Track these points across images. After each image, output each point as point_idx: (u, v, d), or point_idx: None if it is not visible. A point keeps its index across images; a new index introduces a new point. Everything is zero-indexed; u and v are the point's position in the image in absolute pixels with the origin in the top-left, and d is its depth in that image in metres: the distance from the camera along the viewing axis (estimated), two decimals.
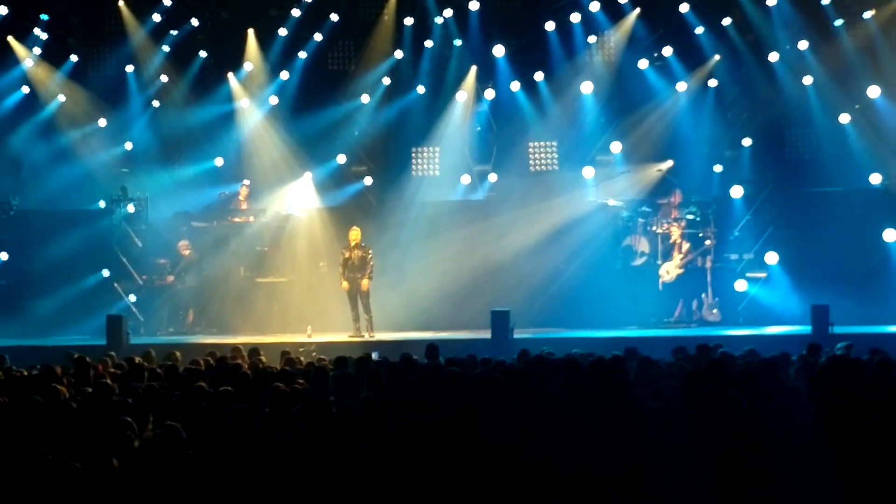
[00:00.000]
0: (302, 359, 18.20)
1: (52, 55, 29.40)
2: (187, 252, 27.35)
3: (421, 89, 29.00)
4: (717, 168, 27.66)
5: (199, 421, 11.37)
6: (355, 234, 24.87)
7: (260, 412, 11.59)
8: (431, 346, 17.70)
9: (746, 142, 27.63)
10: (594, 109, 28.43)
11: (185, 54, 29.41)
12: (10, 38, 29.04)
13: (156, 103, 29.38)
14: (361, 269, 24.66)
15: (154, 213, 28.27)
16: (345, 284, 24.71)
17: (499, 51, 28.64)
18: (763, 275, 26.32)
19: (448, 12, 28.83)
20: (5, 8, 28.72)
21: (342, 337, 24.48)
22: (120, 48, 29.42)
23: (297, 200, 28.40)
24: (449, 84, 28.91)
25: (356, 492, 9.26)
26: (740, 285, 26.28)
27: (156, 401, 12.41)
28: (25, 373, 15.97)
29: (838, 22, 27.24)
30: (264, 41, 29.26)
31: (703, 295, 25.97)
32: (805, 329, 22.69)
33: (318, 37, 29.21)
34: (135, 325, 25.92)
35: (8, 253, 28.24)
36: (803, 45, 27.28)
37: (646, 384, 13.05)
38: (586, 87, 28.21)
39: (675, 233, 26.05)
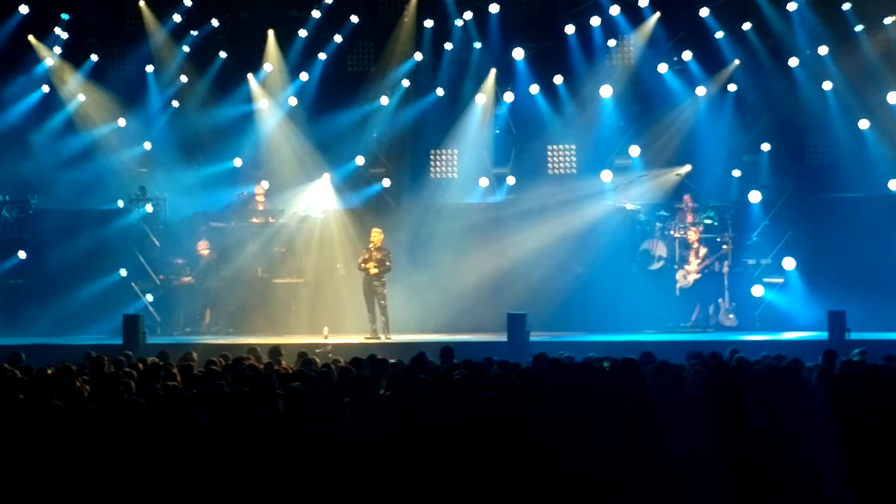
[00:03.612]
0: (318, 360, 18.21)
1: (73, 55, 29.48)
2: (206, 252, 27.41)
3: (440, 91, 28.99)
4: (736, 173, 27.60)
5: (214, 421, 11.38)
6: (377, 235, 24.90)
7: (275, 412, 11.60)
8: (447, 349, 17.70)
9: (765, 147, 27.58)
10: (613, 113, 28.39)
11: (205, 55, 29.42)
12: (30, 38, 29.13)
13: (175, 103, 29.43)
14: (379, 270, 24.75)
15: (172, 213, 28.33)
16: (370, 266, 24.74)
17: (518, 54, 28.63)
18: (780, 280, 26.27)
19: (468, 15, 28.81)
20: (26, 7, 28.81)
21: (359, 338, 24.49)
22: (140, 48, 29.45)
23: (316, 202, 28.43)
24: (468, 86, 28.90)
25: (370, 491, 9.28)
26: (757, 290, 26.23)
27: (172, 401, 12.43)
28: (38, 371, 15.93)
29: (858, 27, 27.17)
30: (284, 42, 29.27)
31: (719, 300, 25.95)
32: (822, 335, 22.60)
33: (337, 38, 29.22)
34: (152, 324, 26.01)
35: (26, 252, 28.32)
36: (823, 50, 27.22)
37: (662, 389, 13.04)
38: (605, 91, 28.18)
39: (693, 237, 26.02)
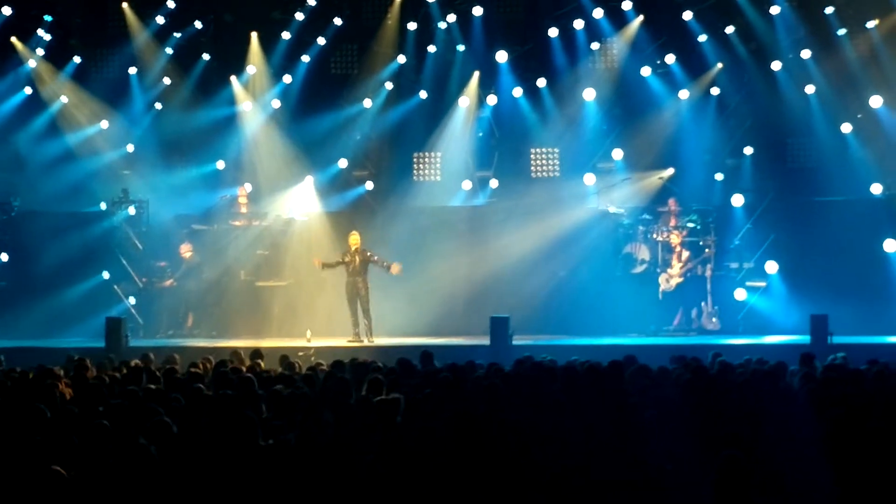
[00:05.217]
0: (301, 363, 18.19)
1: (56, 56, 29.41)
2: (188, 255, 27.34)
3: (423, 94, 28.99)
4: (719, 176, 27.65)
5: (197, 424, 11.37)
6: (354, 238, 24.85)
7: (258, 416, 11.59)
8: (426, 353, 17.66)
9: (748, 150, 27.62)
10: (596, 116, 28.43)
11: (188, 57, 29.39)
12: (13, 39, 29.06)
13: (158, 106, 29.39)
14: (362, 273, 24.67)
15: (155, 215, 28.25)
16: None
17: (502, 56, 28.65)
18: (763, 284, 26.28)
19: (451, 17, 28.83)
20: (9, 8, 28.72)
21: (341, 342, 24.43)
22: (123, 50, 29.41)
23: (299, 204, 28.38)
24: (451, 89, 28.91)
25: (353, 496, 9.27)
26: (740, 294, 26.25)
27: (154, 404, 12.40)
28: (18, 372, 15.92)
29: (841, 31, 27.22)
30: (267, 44, 29.23)
31: (702, 303, 25.94)
32: (804, 339, 22.61)
33: (321, 41, 29.22)
34: (134, 327, 25.93)
35: (8, 254, 28.25)
36: (806, 53, 27.29)
37: (642, 392, 13.06)
38: (588, 94, 28.20)
39: (676, 241, 26.03)
